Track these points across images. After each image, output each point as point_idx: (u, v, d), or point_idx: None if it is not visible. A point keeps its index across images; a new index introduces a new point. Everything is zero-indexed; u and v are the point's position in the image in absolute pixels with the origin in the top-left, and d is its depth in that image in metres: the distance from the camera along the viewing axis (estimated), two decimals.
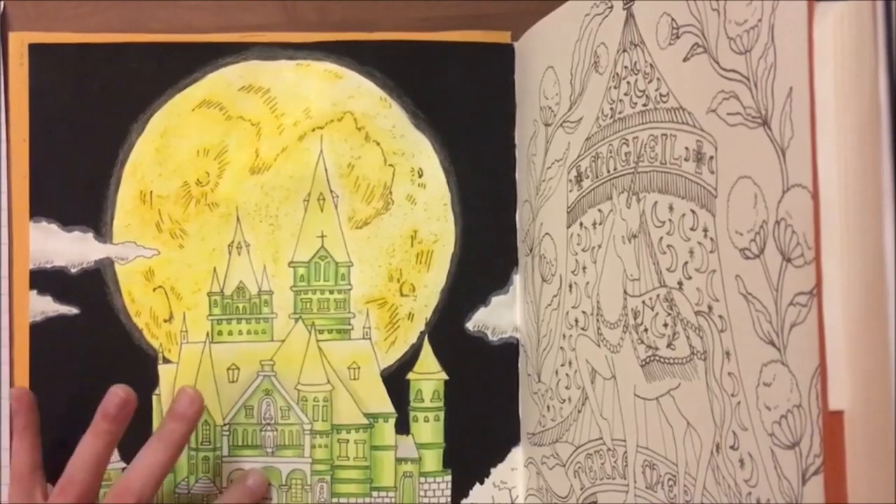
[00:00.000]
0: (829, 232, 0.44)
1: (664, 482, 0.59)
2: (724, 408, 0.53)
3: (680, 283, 0.57)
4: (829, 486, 0.44)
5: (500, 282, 0.83)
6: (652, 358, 0.60)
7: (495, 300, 0.83)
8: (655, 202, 0.60)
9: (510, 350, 0.83)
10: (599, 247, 0.67)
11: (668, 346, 0.58)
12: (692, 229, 0.56)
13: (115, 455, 0.79)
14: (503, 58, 0.83)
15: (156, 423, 0.80)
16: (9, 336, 0.80)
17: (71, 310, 0.80)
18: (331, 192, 0.82)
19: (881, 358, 0.41)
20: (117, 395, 0.75)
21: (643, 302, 0.61)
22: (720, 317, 0.53)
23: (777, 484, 0.49)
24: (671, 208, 0.58)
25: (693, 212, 0.56)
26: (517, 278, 0.83)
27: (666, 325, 0.59)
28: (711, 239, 0.54)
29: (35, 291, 0.80)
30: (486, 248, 0.83)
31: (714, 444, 0.54)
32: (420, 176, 0.83)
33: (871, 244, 0.42)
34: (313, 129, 0.83)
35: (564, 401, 0.73)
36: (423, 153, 0.83)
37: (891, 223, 0.40)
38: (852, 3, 0.43)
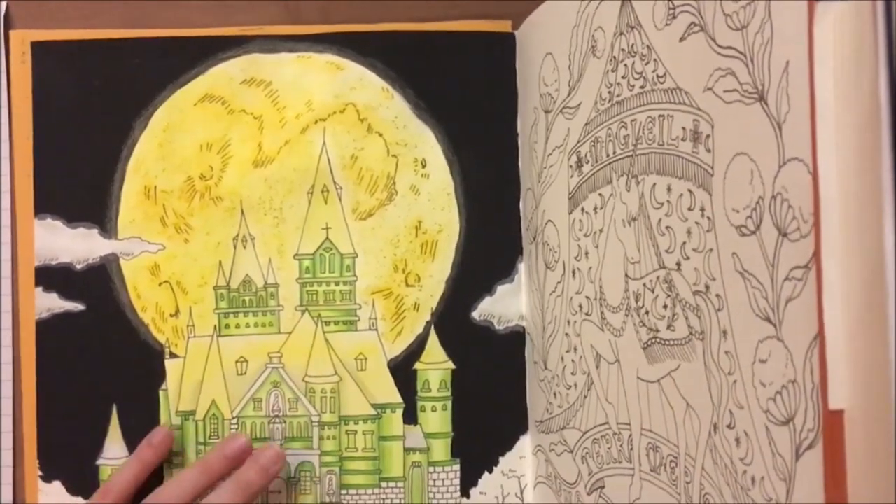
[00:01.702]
0: (829, 232, 0.44)
1: (667, 464, 0.59)
2: (722, 387, 0.53)
3: (678, 264, 0.57)
4: (829, 486, 0.44)
5: (506, 270, 0.83)
6: (653, 340, 0.60)
7: (501, 289, 0.83)
8: (654, 184, 0.59)
9: (517, 338, 0.83)
10: (601, 231, 0.67)
11: (668, 327, 0.58)
12: (689, 209, 0.55)
13: (124, 450, 0.80)
14: (504, 47, 0.83)
15: (163, 419, 0.81)
16: (12, 334, 0.80)
17: (77, 306, 0.80)
18: (334, 183, 0.82)
19: (881, 358, 0.41)
20: (161, 429, 0.80)
21: (644, 284, 0.61)
22: (717, 296, 0.53)
23: (771, 461, 0.49)
24: (669, 189, 0.58)
25: (690, 191, 0.55)
26: (522, 267, 0.83)
27: (666, 306, 0.58)
28: (708, 218, 0.54)
29: (41, 288, 0.80)
30: (491, 237, 0.83)
31: (712, 425, 0.54)
32: (423, 166, 0.83)
33: (871, 244, 0.41)
34: (316, 122, 0.83)
35: (571, 387, 0.72)
36: (425, 143, 0.83)
37: (891, 223, 0.40)
38: (852, 3, 0.43)
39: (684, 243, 0.56)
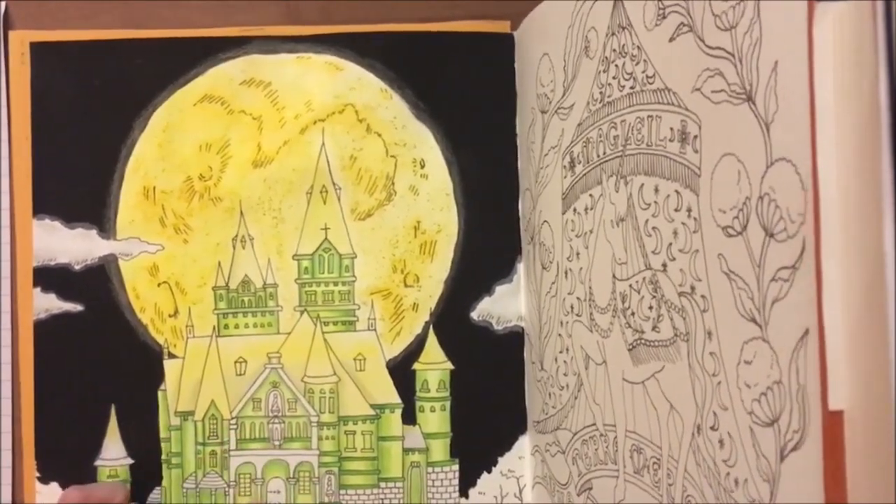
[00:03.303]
0: (829, 232, 0.43)
1: (650, 466, 0.59)
2: (706, 388, 0.52)
3: (664, 265, 0.57)
4: (829, 486, 0.44)
5: (505, 271, 0.83)
6: (638, 342, 0.60)
7: (500, 289, 0.83)
8: (642, 185, 0.59)
9: (515, 339, 0.82)
10: (591, 232, 0.67)
11: (653, 328, 0.58)
12: (676, 210, 0.55)
13: (122, 451, 0.80)
14: (503, 47, 0.83)
15: (162, 420, 0.81)
16: (11, 334, 0.81)
17: (75, 307, 0.81)
18: (333, 184, 0.82)
19: (881, 358, 0.40)
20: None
21: (630, 286, 0.61)
22: (702, 297, 0.53)
23: (755, 462, 0.48)
24: (657, 190, 0.58)
25: (677, 192, 0.55)
26: (521, 267, 0.82)
27: (651, 307, 0.58)
28: (695, 219, 0.53)
29: (39, 289, 0.80)
30: (490, 238, 0.83)
31: (695, 426, 0.54)
32: (422, 167, 0.83)
33: (871, 244, 0.41)
34: (315, 122, 0.83)
35: (563, 388, 0.72)
36: (424, 144, 0.83)
37: (891, 223, 0.40)
38: (852, 3, 0.43)
39: (670, 244, 0.56)
